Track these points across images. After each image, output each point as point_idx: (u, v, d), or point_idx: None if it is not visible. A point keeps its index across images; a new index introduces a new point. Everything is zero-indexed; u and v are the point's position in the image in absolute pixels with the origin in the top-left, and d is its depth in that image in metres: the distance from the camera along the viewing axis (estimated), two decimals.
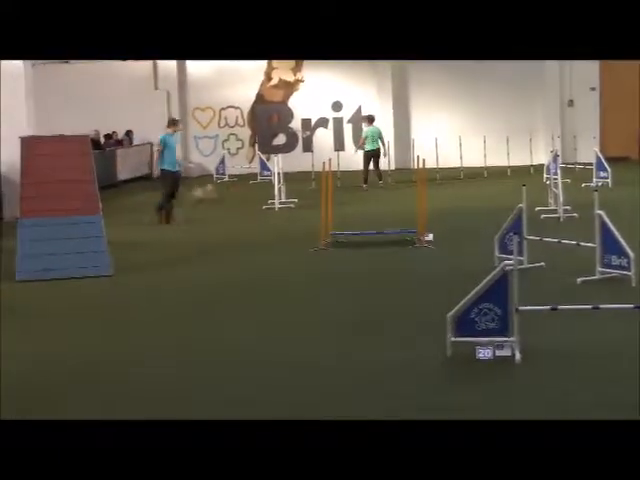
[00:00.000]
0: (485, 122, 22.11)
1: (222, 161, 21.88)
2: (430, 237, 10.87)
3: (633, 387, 5.11)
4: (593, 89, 22.45)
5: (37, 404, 5.34)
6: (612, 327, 6.49)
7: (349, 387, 5.47)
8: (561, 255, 9.19)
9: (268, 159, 20.74)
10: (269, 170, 19.16)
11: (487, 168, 20.11)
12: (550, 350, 6.06)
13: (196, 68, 23.67)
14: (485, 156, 20.23)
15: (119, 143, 22.76)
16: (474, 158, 20.43)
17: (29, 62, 14.93)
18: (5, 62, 13.82)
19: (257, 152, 22.64)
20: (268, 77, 23.93)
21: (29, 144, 10.24)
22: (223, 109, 24.07)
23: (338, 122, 23.62)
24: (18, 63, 14.30)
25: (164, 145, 13.76)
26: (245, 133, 24.17)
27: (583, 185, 15.90)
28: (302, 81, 23.83)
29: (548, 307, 6.23)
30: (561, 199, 12.45)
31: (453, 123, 22.33)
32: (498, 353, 5.80)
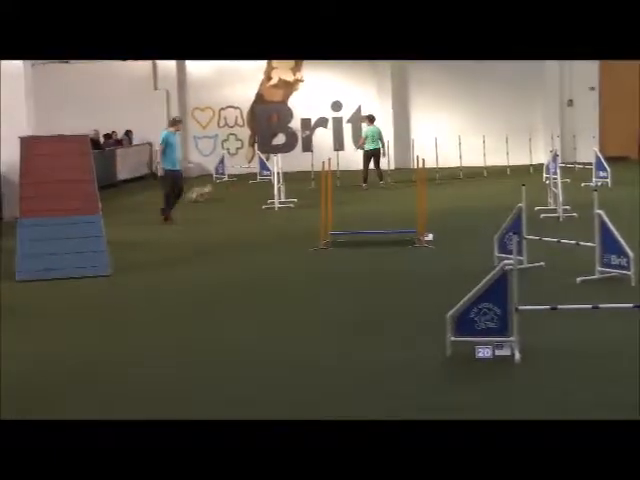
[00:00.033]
0: (485, 122, 22.12)
1: (221, 161, 21.88)
2: (430, 237, 10.88)
3: (633, 387, 5.12)
4: (592, 89, 22.46)
5: (37, 404, 5.34)
6: (611, 326, 6.49)
7: (349, 387, 5.47)
8: (560, 255, 9.19)
9: (267, 159, 20.75)
10: (269, 170, 19.15)
11: (487, 168, 20.11)
12: (550, 350, 6.06)
13: (195, 68, 23.67)
14: (485, 156, 20.24)
15: (118, 143, 22.76)
16: (474, 158, 20.44)
17: (29, 62, 14.93)
18: (5, 62, 13.83)
19: (257, 152, 22.67)
20: (268, 77, 23.93)
21: (28, 144, 10.23)
22: (222, 109, 24.07)
23: (338, 122, 23.65)
24: (18, 63, 14.30)
25: (166, 143, 13.75)
26: (245, 133, 24.18)
27: (582, 185, 15.91)
28: (302, 81, 23.83)
29: (548, 307, 6.24)
30: (560, 199, 12.46)
31: (453, 123, 22.34)
32: (498, 353, 5.80)
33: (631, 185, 15.61)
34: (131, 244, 11.78)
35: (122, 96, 22.97)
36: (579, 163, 19.14)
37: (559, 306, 6.29)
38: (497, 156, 20.53)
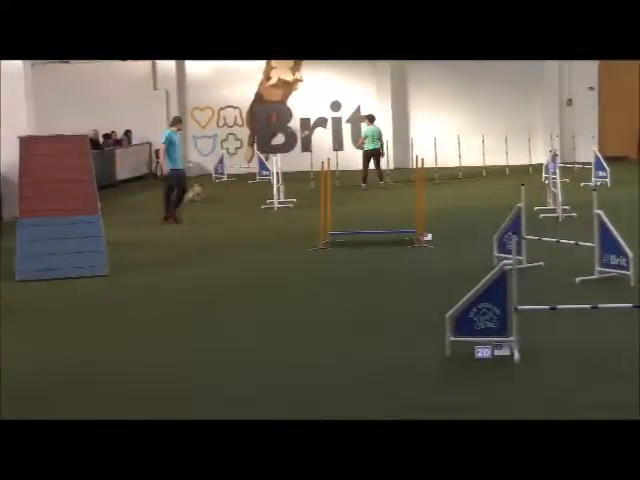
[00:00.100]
0: (484, 121, 22.12)
1: (221, 161, 21.88)
2: (429, 237, 10.89)
3: (632, 386, 5.12)
4: (592, 89, 22.47)
5: (36, 404, 5.34)
6: (611, 326, 6.49)
7: (349, 387, 5.47)
8: (560, 255, 9.19)
9: (267, 159, 20.75)
10: (268, 170, 19.15)
11: (486, 167, 20.12)
12: (549, 349, 6.07)
13: (195, 68, 23.67)
14: (484, 155, 20.24)
15: (118, 143, 22.76)
16: (473, 157, 20.45)
17: (28, 62, 14.93)
18: (4, 62, 13.82)
19: (256, 152, 22.66)
20: (267, 77, 23.93)
21: (28, 144, 10.23)
22: (222, 109, 24.07)
23: (337, 122, 23.65)
24: (17, 63, 14.30)
25: (169, 142, 13.75)
26: (244, 133, 24.17)
27: (582, 184, 15.91)
28: (301, 81, 23.83)
29: (547, 307, 6.24)
30: (560, 199, 12.46)
31: (452, 123, 22.34)
32: (497, 353, 5.80)
33: (630, 185, 15.61)
34: (130, 244, 11.79)
35: (121, 96, 22.97)
36: (578, 163, 19.15)
37: (558, 306, 6.29)
38: (496, 156, 20.54)
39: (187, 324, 7.35)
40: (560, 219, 12.21)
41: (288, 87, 23.91)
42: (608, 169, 16.48)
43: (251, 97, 24.01)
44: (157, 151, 23.44)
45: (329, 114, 23.67)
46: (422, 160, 11.55)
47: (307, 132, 23.70)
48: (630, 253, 7.87)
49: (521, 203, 8.85)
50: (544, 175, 15.63)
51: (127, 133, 23.36)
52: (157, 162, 23.60)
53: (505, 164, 20.16)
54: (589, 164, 17.26)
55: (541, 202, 13.07)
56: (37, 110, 15.71)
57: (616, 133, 21.98)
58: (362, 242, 11.02)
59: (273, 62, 23.53)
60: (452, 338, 5.93)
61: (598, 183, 15.83)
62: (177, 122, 14.47)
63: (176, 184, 13.83)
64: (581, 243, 8.65)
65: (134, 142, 23.44)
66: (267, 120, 23.99)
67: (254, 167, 21.29)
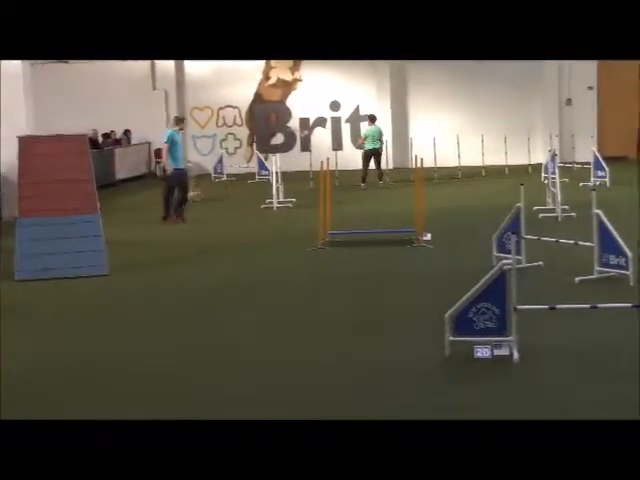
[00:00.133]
0: (483, 121, 22.13)
1: (220, 160, 21.88)
2: (428, 236, 10.89)
3: (631, 386, 5.12)
4: (591, 88, 22.48)
5: (36, 404, 5.34)
6: (610, 326, 6.50)
7: (349, 387, 5.47)
8: (559, 254, 9.20)
9: (266, 158, 20.74)
10: (267, 169, 19.15)
11: (485, 167, 20.12)
12: (548, 349, 6.07)
13: (194, 68, 23.66)
14: (483, 155, 20.25)
15: (117, 142, 22.76)
16: (472, 157, 20.45)
17: (27, 62, 14.92)
18: (4, 62, 13.81)
19: (255, 151, 22.66)
20: (266, 76, 23.93)
21: (27, 144, 10.23)
22: (221, 108, 24.07)
23: (336, 121, 23.65)
24: (17, 63, 14.29)
25: (171, 142, 13.75)
26: (243, 132, 24.17)
27: (581, 184, 15.92)
28: (300, 80, 23.83)
29: (546, 306, 6.24)
30: (559, 198, 12.47)
31: (451, 122, 22.34)
32: (496, 352, 5.80)
33: (629, 185, 15.61)
34: (130, 244, 11.79)
35: (121, 96, 22.97)
36: (577, 163, 19.16)
37: (558, 306, 6.29)
38: (496, 156, 20.54)
39: (187, 324, 7.35)
40: (559, 219, 12.21)
41: (287, 87, 23.91)
42: (607, 169, 16.49)
43: (250, 97, 24.00)
44: (156, 151, 23.48)
45: (328, 114, 23.67)
46: (421, 160, 11.56)
47: (306, 132, 23.70)
48: (629, 253, 7.87)
49: (520, 203, 8.85)
50: (543, 175, 15.64)
51: (126, 133, 23.36)
52: (157, 162, 23.65)
53: (504, 164, 20.16)
54: (588, 164, 17.27)
55: (540, 202, 13.08)
56: (36, 110, 15.71)
57: (615, 133, 21.99)
58: (361, 242, 11.02)
59: (272, 62, 23.53)
60: (451, 338, 5.94)
61: (597, 183, 15.84)
62: (179, 122, 14.48)
63: (177, 184, 13.83)
64: (580, 243, 8.66)
65: (133, 142, 23.44)
66: (266, 120, 23.99)
67: (253, 167, 21.29)
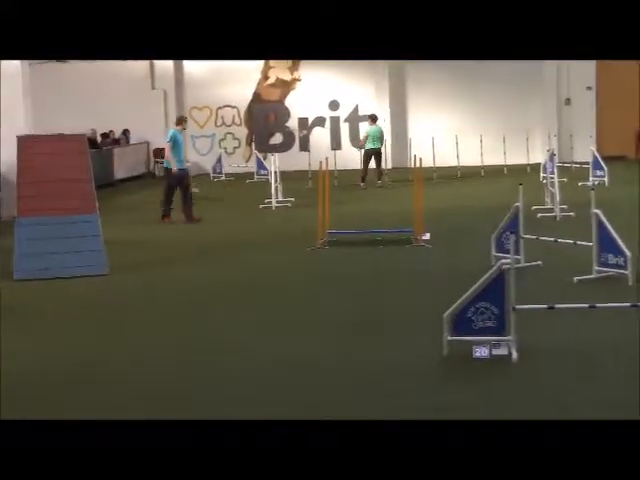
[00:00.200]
0: (482, 121, 22.13)
1: (219, 160, 21.87)
2: (427, 236, 10.90)
3: (630, 386, 5.13)
4: (590, 88, 22.50)
5: (36, 404, 5.34)
6: (609, 326, 6.51)
7: (349, 387, 5.47)
8: (558, 254, 9.21)
9: (265, 158, 20.74)
10: (266, 169, 19.15)
11: (484, 167, 20.13)
12: (547, 349, 6.08)
13: (193, 67, 23.66)
14: (482, 155, 20.26)
15: (116, 142, 22.75)
16: (471, 157, 20.46)
17: (26, 61, 14.91)
18: (3, 62, 13.80)
19: (254, 151, 22.65)
20: (265, 76, 23.92)
21: (26, 143, 10.23)
22: (220, 108, 24.06)
23: (335, 121, 23.64)
24: (15, 62, 14.28)
25: (174, 141, 13.75)
26: (242, 132, 24.17)
27: (580, 184, 15.93)
28: (299, 80, 23.83)
29: (545, 306, 6.25)
30: (558, 198, 12.48)
31: (450, 122, 22.35)
32: (495, 352, 5.81)
33: (628, 184, 15.64)
34: (128, 243, 11.78)
35: (119, 95, 22.95)
36: (576, 162, 19.17)
37: (556, 305, 6.30)
38: (494, 155, 20.55)
39: (186, 323, 7.35)
40: (558, 218, 12.22)
41: (286, 86, 23.91)
42: (606, 168, 16.50)
43: (249, 96, 24.00)
44: (155, 150, 23.49)
45: (327, 113, 23.66)
46: (420, 160, 11.56)
47: (305, 131, 23.70)
48: (628, 252, 7.88)
49: (519, 202, 8.86)
50: (542, 175, 15.65)
51: (125, 132, 23.35)
52: (156, 162, 23.65)
53: (503, 164, 20.17)
54: (587, 164, 17.27)
55: (539, 201, 13.09)
56: (35, 109, 15.70)
57: (614, 133, 22.01)
58: (360, 241, 11.03)
59: (271, 62, 23.52)
60: (450, 337, 5.94)
61: (596, 182, 15.84)
62: (182, 121, 14.47)
63: (177, 183, 13.82)
64: (579, 242, 8.67)
65: (132, 141, 23.43)
66: (265, 119, 23.99)
67: (252, 166, 21.28)
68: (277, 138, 23.95)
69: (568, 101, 22.65)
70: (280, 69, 23.73)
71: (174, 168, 13.70)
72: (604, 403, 4.95)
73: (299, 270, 9.66)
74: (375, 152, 18.40)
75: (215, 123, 24.15)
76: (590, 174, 16.65)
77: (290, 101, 23.88)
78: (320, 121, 23.72)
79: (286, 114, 23.87)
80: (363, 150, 18.71)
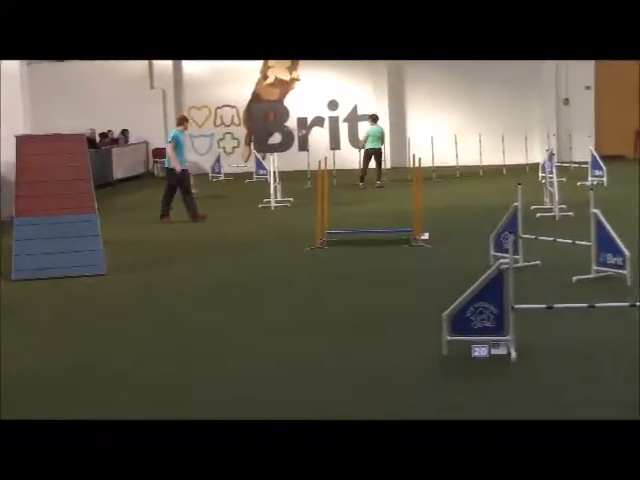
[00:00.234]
0: (481, 121, 22.15)
1: (218, 160, 21.87)
2: (426, 236, 10.90)
3: (629, 385, 5.14)
4: (588, 88, 22.51)
5: (37, 404, 5.34)
6: (607, 325, 6.51)
7: (349, 388, 5.48)
8: (556, 254, 9.22)
9: (264, 158, 20.74)
10: (265, 169, 19.15)
11: (483, 167, 20.14)
12: (546, 348, 6.09)
13: (192, 67, 23.66)
14: (481, 155, 20.27)
15: (115, 142, 22.75)
16: (470, 157, 20.47)
17: (25, 61, 14.90)
18: (1, 62, 13.80)
19: (253, 151, 22.65)
20: (264, 76, 23.93)
21: (24, 143, 10.22)
22: (219, 108, 24.06)
23: (334, 121, 23.64)
24: (14, 62, 14.27)
25: (176, 142, 13.75)
26: (241, 132, 24.17)
27: (578, 184, 15.94)
28: (298, 80, 23.83)
29: (544, 306, 6.25)
30: (556, 198, 12.49)
31: (449, 122, 22.36)
32: (494, 352, 5.81)
33: (627, 184, 15.65)
34: (127, 243, 11.78)
35: (118, 95, 22.95)
36: (575, 162, 19.18)
37: (555, 305, 6.30)
38: (493, 155, 20.57)
39: (186, 324, 7.34)
40: (557, 218, 12.23)
41: (285, 86, 23.91)
42: (604, 168, 16.51)
43: (248, 96, 24.00)
44: (154, 150, 23.50)
45: (326, 113, 23.67)
46: (419, 159, 11.57)
47: (304, 131, 23.70)
48: (627, 252, 7.89)
49: (518, 202, 8.86)
50: (541, 174, 15.66)
51: (124, 132, 23.35)
52: (155, 161, 23.65)
53: (502, 163, 20.19)
54: (586, 163, 17.28)
55: (538, 201, 13.10)
56: (33, 109, 15.69)
57: (612, 132, 22.03)
58: (359, 241, 11.03)
59: (270, 61, 23.53)
60: (449, 337, 5.94)
61: (594, 182, 15.86)
62: (183, 121, 14.47)
63: (178, 183, 13.81)
64: (578, 242, 8.67)
65: (131, 141, 23.43)
66: (264, 119, 23.99)
67: (251, 166, 21.29)
68: (276, 138, 23.95)
69: (567, 101, 22.68)
70: (279, 69, 23.74)
71: (178, 168, 13.69)
72: (603, 403, 4.96)
73: (298, 270, 9.66)
74: (375, 152, 18.42)
75: (214, 123, 24.15)
76: (589, 174, 16.66)
77: (289, 101, 23.88)
78: (319, 121, 23.72)
79: (285, 114, 23.87)
80: (363, 150, 18.73)
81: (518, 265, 8.26)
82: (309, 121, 23.74)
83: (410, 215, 11.31)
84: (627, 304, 6.26)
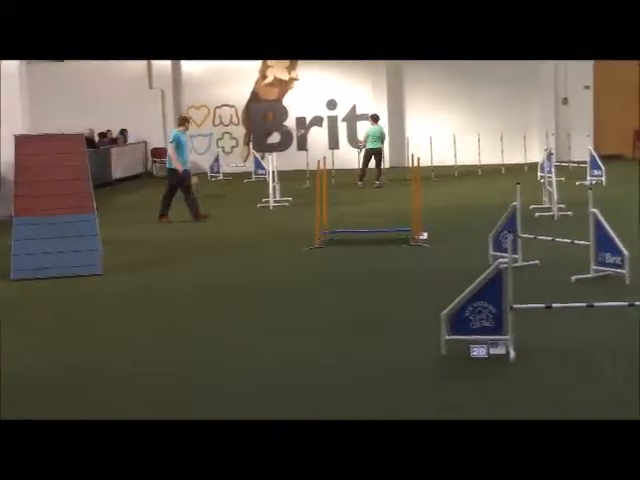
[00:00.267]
0: (480, 120, 22.16)
1: (216, 159, 21.87)
2: (424, 235, 10.91)
3: (628, 385, 5.15)
4: (587, 87, 22.53)
5: (37, 404, 5.34)
6: (606, 325, 6.52)
7: (348, 387, 5.48)
8: (555, 253, 9.22)
9: (262, 157, 20.74)
10: (263, 168, 19.16)
11: (481, 166, 20.15)
12: (544, 348, 6.09)
13: (190, 67, 23.65)
14: (479, 154, 20.28)
15: (113, 142, 22.74)
16: (469, 156, 20.48)
17: (24, 61, 14.89)
18: (0, 61, 13.79)
19: (252, 150, 22.65)
20: (263, 75, 23.92)
21: (23, 143, 10.23)
22: (218, 107, 24.06)
23: (332, 120, 23.65)
24: (13, 62, 14.26)
25: (177, 142, 13.75)
26: (239, 131, 24.17)
27: (577, 183, 15.96)
28: (297, 79, 23.83)
29: (542, 305, 6.26)
30: (555, 197, 12.50)
31: (448, 121, 22.37)
32: (492, 351, 5.82)
33: (626, 183, 15.67)
34: (126, 243, 11.78)
35: (117, 95, 22.94)
36: (574, 162, 19.20)
37: (554, 304, 6.30)
38: (492, 155, 20.58)
39: (185, 324, 7.35)
40: (555, 218, 12.24)
41: (284, 86, 23.91)
42: (603, 168, 16.53)
43: (247, 96, 24.00)
44: (153, 150, 23.50)
45: (325, 113, 23.67)
46: (418, 159, 11.57)
47: (303, 131, 23.71)
48: (625, 252, 7.90)
49: (517, 202, 8.87)
50: (539, 174, 15.67)
51: (123, 132, 23.34)
52: (154, 161, 23.65)
53: (501, 163, 20.20)
54: (584, 163, 17.30)
55: (537, 201, 13.11)
56: (32, 109, 15.69)
57: (611, 132, 22.05)
58: (358, 241, 11.04)
59: (269, 61, 23.52)
60: (448, 337, 5.95)
61: (593, 182, 15.87)
62: (184, 122, 14.47)
63: (179, 184, 13.81)
64: (576, 242, 8.68)
65: (130, 141, 23.42)
66: (263, 119, 23.99)
67: (250, 166, 21.29)
68: (275, 137, 23.95)
69: (565, 100, 22.69)
70: (278, 68, 23.73)
71: (180, 169, 13.69)
72: (602, 402, 4.97)
73: (297, 270, 9.66)
74: (375, 152, 18.45)
75: (213, 122, 24.15)
76: (587, 173, 16.68)
77: (288, 100, 23.88)
78: (318, 120, 23.72)
79: (284, 113, 23.87)
80: (363, 149, 18.75)
81: (517, 265, 8.27)
82: (308, 121, 23.74)
83: (409, 215, 11.32)
84: (626, 303, 6.27)
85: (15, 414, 4.89)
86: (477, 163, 20.18)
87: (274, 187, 15.53)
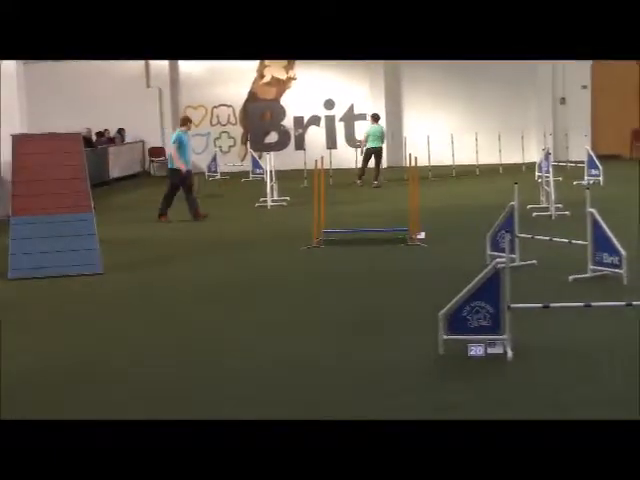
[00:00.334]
0: (477, 120, 22.16)
1: (214, 159, 21.83)
2: (422, 235, 10.92)
3: (626, 385, 5.16)
4: (585, 87, 22.55)
5: (36, 404, 5.34)
6: (604, 324, 6.54)
7: (348, 387, 5.49)
8: (553, 253, 9.24)
9: (260, 157, 20.73)
10: (261, 168, 19.15)
11: (479, 166, 20.17)
12: (542, 347, 6.10)
13: (188, 66, 23.62)
14: (477, 154, 20.29)
15: (111, 141, 22.71)
16: (466, 156, 20.50)
17: (22, 61, 14.87)
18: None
19: (249, 150, 22.63)
20: (260, 75, 23.91)
21: (21, 142, 10.22)
22: (215, 107, 24.03)
23: (330, 120, 23.62)
24: (11, 62, 14.24)
25: (179, 142, 13.76)
26: (237, 131, 24.14)
27: (575, 183, 15.97)
28: (294, 79, 23.82)
29: (540, 305, 6.27)
30: (553, 197, 12.51)
31: (445, 121, 22.38)
32: (490, 351, 5.83)
33: (623, 183, 15.69)
34: (124, 242, 11.78)
35: (115, 94, 22.91)
36: (571, 161, 19.20)
37: (551, 304, 6.32)
38: (489, 154, 20.59)
39: (184, 323, 7.35)
40: (553, 217, 12.26)
41: (282, 85, 23.90)
42: (601, 167, 16.55)
43: (244, 95, 23.98)
44: (151, 149, 23.48)
45: (322, 112, 23.65)
46: (415, 158, 11.58)
47: (300, 130, 23.70)
48: (623, 251, 7.91)
49: (514, 201, 8.89)
50: (537, 173, 15.68)
51: (120, 131, 23.32)
52: (151, 160, 23.63)
53: (498, 162, 20.22)
54: (582, 162, 17.32)
55: (534, 200, 13.13)
56: (30, 109, 15.67)
57: (609, 131, 22.08)
58: (355, 240, 11.05)
59: (267, 60, 23.50)
60: (445, 336, 5.96)
61: (591, 181, 15.89)
62: (186, 122, 14.49)
63: (181, 183, 13.81)
64: (574, 241, 8.70)
65: (127, 140, 23.39)
66: (260, 118, 23.97)
67: (247, 165, 21.27)
68: (272, 137, 23.93)
69: (563, 100, 22.71)
70: (275, 68, 23.72)
71: (183, 169, 13.70)
72: (600, 402, 4.98)
73: (295, 269, 9.67)
74: (375, 151, 18.48)
75: (210, 122, 24.12)
76: (585, 173, 16.70)
77: (285, 100, 23.86)
78: (315, 120, 23.71)
79: (281, 113, 23.85)
80: (364, 148, 18.77)
81: (514, 264, 8.28)
82: (305, 120, 23.72)
83: (406, 214, 11.33)
84: (623, 303, 6.28)
85: (14, 414, 4.89)
86: (475, 163, 20.20)
87: (272, 187, 15.53)
